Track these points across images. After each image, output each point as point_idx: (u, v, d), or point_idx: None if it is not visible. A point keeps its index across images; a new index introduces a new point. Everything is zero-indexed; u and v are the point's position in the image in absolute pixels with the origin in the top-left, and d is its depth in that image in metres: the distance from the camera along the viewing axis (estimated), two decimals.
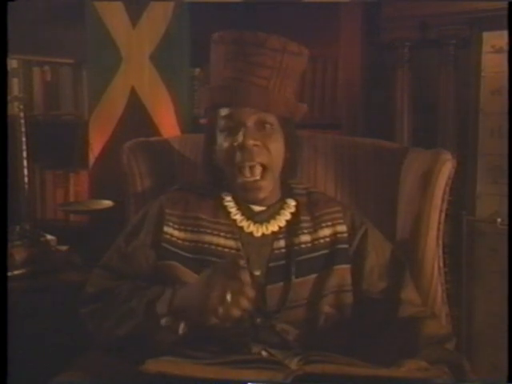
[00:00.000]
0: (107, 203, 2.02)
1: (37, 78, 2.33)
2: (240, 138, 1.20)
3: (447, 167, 1.38)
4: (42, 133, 2.08)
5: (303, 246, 1.25)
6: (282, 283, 1.21)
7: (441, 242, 1.39)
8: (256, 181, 1.23)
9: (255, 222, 1.26)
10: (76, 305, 1.25)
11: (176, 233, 1.25)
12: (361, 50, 1.92)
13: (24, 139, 1.89)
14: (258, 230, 1.25)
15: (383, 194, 1.46)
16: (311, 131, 1.62)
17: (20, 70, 2.08)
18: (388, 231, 1.37)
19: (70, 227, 2.27)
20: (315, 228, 1.27)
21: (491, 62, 1.78)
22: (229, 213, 1.27)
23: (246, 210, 1.27)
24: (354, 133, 1.84)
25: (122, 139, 1.65)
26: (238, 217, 1.27)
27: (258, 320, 1.18)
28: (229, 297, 1.03)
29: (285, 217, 1.28)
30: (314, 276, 1.23)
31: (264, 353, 1.14)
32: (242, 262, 1.10)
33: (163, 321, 1.11)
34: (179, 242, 1.25)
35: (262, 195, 1.25)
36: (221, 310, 1.04)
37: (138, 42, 2.08)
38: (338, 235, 1.27)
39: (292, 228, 1.26)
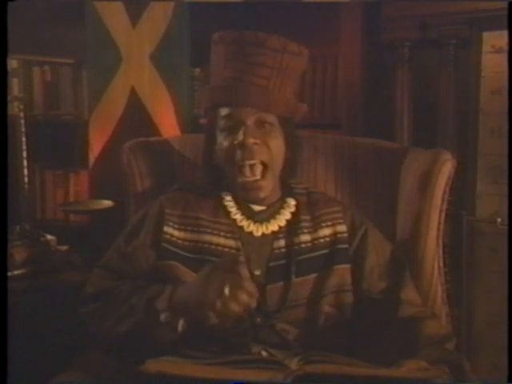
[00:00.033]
0: (107, 203, 2.02)
1: (37, 77, 2.34)
2: (240, 136, 1.20)
3: (447, 167, 1.38)
4: (42, 133, 2.09)
5: (303, 245, 1.25)
6: (281, 283, 1.21)
7: (441, 242, 1.38)
8: (256, 180, 1.23)
9: (255, 222, 1.26)
10: (76, 305, 1.25)
11: (176, 233, 1.25)
12: (361, 49, 1.92)
13: (24, 139, 1.89)
14: (258, 230, 1.25)
15: (383, 194, 1.46)
16: (311, 131, 1.62)
17: (20, 70, 2.07)
18: (388, 231, 1.37)
19: (70, 227, 2.28)
20: (315, 228, 1.27)
21: (491, 62, 1.78)
22: (229, 212, 1.27)
23: (245, 209, 1.27)
24: (354, 133, 1.84)
25: (121, 139, 1.65)
26: (237, 216, 1.27)
27: (258, 320, 1.18)
28: (227, 290, 1.03)
29: (285, 216, 1.27)
30: (314, 276, 1.23)
31: (264, 353, 1.14)
32: (242, 259, 1.09)
33: (162, 316, 1.11)
34: (179, 241, 1.24)
35: (262, 195, 1.25)
36: (219, 304, 1.04)
37: (137, 41, 2.08)
38: (338, 235, 1.27)
39: (292, 227, 1.26)
